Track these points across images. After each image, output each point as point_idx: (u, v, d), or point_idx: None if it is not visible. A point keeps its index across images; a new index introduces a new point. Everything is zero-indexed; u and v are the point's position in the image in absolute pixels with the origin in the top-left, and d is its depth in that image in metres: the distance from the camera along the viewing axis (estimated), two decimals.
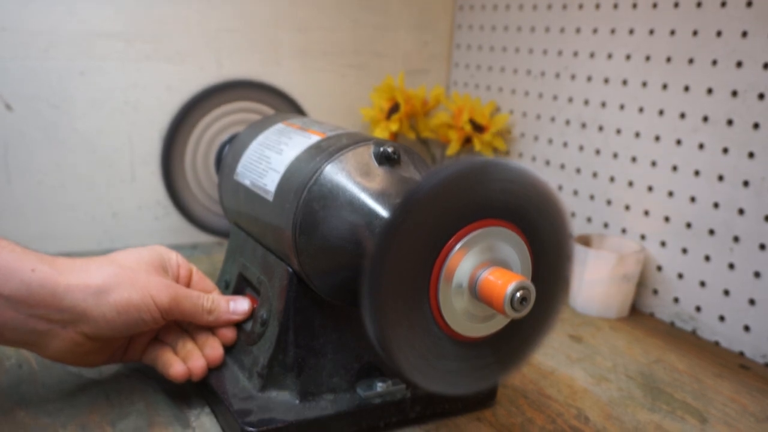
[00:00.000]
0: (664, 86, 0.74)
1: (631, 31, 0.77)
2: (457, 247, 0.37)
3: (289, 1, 0.92)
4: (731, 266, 0.68)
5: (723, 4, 0.68)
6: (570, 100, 0.86)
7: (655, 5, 0.74)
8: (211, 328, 0.54)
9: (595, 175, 0.83)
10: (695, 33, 0.70)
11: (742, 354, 0.68)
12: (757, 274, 0.66)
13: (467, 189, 0.36)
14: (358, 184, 0.45)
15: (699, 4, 0.70)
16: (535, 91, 0.91)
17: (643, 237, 0.77)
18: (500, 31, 0.97)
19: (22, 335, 0.46)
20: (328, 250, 0.45)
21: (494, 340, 0.40)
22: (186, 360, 0.51)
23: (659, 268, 0.76)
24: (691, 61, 0.71)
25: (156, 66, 0.85)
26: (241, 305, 0.54)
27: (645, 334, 0.71)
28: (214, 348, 0.52)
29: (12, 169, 0.80)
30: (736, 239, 0.68)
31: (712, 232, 0.70)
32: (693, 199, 0.72)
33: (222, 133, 0.68)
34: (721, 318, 0.70)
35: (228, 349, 0.54)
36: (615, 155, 0.80)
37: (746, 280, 0.67)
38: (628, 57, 0.78)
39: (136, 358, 0.53)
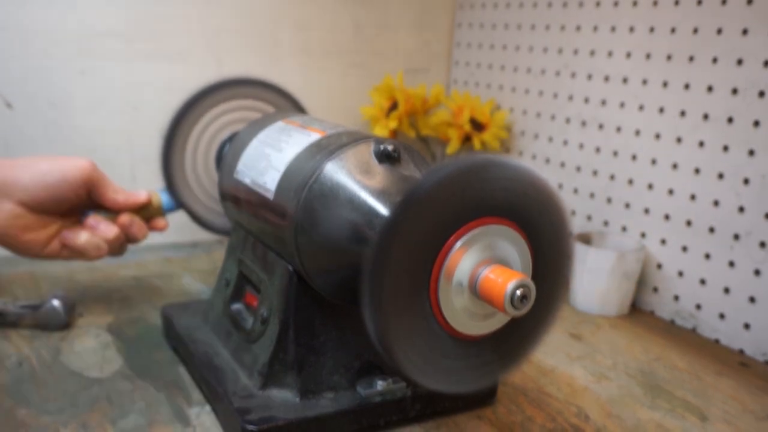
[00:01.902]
0: (665, 84, 0.74)
1: (632, 29, 0.77)
2: (458, 245, 0.37)
3: (290, 0, 0.92)
4: (731, 264, 0.68)
5: (723, 2, 0.68)
6: (570, 98, 0.86)
7: (655, 3, 0.74)
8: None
9: (595, 173, 0.83)
10: (696, 30, 0.70)
11: (742, 352, 0.68)
12: (757, 272, 0.66)
13: (467, 187, 0.36)
14: (359, 183, 0.45)
15: (699, 2, 0.70)
16: (536, 89, 0.91)
17: (643, 235, 0.77)
18: (500, 29, 0.97)
19: None
20: (329, 248, 0.45)
21: (494, 338, 0.40)
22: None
23: (659, 266, 0.76)
24: (691, 58, 0.71)
25: (156, 65, 0.85)
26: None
27: (645, 332, 0.71)
28: (140, 227, 0.64)
29: None
30: (736, 237, 0.68)
31: (712, 229, 0.70)
32: (693, 197, 0.72)
33: (222, 131, 0.68)
34: (721, 316, 0.70)
35: (229, 347, 0.54)
36: (615, 153, 0.80)
37: (746, 278, 0.67)
38: (628, 55, 0.78)
39: (72, 245, 0.60)
